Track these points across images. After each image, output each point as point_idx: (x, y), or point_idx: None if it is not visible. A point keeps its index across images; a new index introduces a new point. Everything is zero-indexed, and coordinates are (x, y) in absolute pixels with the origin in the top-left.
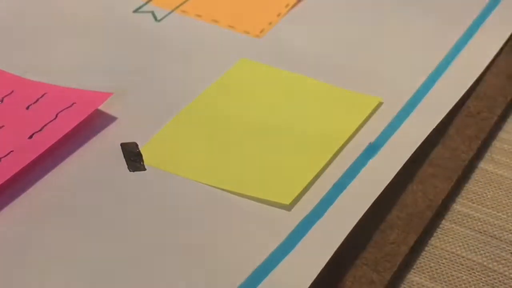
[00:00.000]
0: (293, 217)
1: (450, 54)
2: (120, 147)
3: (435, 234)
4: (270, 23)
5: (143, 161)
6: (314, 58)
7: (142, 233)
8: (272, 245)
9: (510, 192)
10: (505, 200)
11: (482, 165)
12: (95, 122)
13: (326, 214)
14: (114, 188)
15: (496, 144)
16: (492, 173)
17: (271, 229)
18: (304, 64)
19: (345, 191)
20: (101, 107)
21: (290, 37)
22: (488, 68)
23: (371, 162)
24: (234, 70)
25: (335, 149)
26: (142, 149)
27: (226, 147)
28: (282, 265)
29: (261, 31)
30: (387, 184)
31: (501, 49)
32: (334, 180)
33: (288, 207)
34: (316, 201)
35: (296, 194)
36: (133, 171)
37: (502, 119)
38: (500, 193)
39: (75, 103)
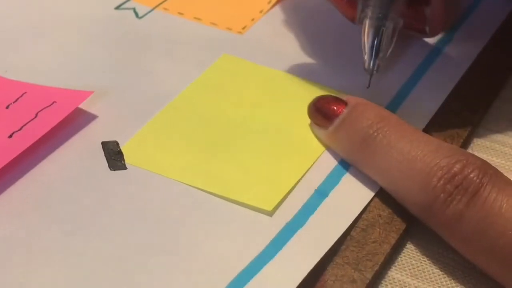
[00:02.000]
0: (275, 222)
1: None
2: (100, 145)
3: (416, 231)
4: (252, 20)
5: (124, 160)
6: (296, 55)
7: (122, 233)
8: (254, 251)
9: None
10: None
11: None
12: (75, 121)
13: (309, 220)
14: (95, 187)
15: (478, 141)
16: None
17: (253, 233)
18: (286, 61)
19: (327, 198)
20: (81, 106)
21: (273, 34)
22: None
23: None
24: (216, 66)
25: (319, 152)
26: (123, 147)
27: (209, 147)
28: (264, 271)
29: (244, 28)
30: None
31: (484, 47)
32: (316, 184)
33: (270, 213)
34: (298, 206)
35: (278, 200)
36: (114, 170)
37: (482, 116)
38: None
39: (55, 102)
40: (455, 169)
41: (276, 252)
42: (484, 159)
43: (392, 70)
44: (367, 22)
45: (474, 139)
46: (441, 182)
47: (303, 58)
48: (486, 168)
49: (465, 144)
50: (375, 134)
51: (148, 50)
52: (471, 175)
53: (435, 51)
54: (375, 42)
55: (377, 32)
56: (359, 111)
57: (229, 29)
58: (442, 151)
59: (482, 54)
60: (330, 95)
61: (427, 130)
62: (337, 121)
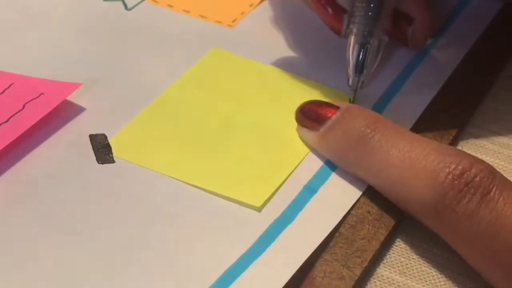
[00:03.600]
0: (264, 218)
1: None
2: (88, 138)
3: (405, 228)
4: (242, 13)
5: (112, 153)
6: (286, 50)
7: (109, 227)
8: (243, 247)
9: None
10: None
11: None
12: (63, 113)
13: (298, 217)
14: (82, 180)
15: (466, 139)
16: None
17: (241, 229)
18: (276, 55)
19: (317, 194)
20: (70, 98)
21: (263, 28)
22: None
23: None
24: (206, 59)
25: (308, 150)
26: (111, 140)
27: (197, 142)
28: (253, 268)
29: (233, 21)
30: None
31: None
32: (305, 180)
33: (259, 209)
34: (287, 202)
35: (267, 196)
36: (102, 164)
37: (472, 114)
38: None
39: (43, 93)
40: (463, 165)
41: (264, 248)
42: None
43: (380, 68)
44: (352, 39)
45: (463, 137)
46: (449, 177)
47: (293, 53)
48: (493, 170)
49: (454, 142)
50: (373, 133)
51: (137, 42)
52: (481, 175)
53: (423, 50)
54: (360, 59)
55: (362, 49)
56: (353, 113)
57: (219, 22)
58: (446, 151)
59: (472, 53)
60: (321, 100)
61: (416, 128)
62: (329, 122)
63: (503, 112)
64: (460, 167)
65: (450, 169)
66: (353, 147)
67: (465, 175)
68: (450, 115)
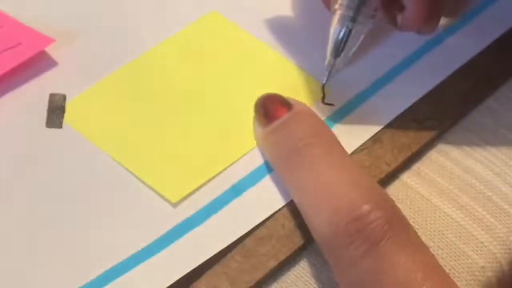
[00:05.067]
0: (176, 214)
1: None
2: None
3: (314, 250)
4: None
5: (63, 117)
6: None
7: (24, 194)
8: (142, 242)
9: (418, 214)
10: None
11: (405, 177)
12: (34, 66)
13: (209, 219)
14: (21, 141)
15: (432, 155)
16: (410, 188)
17: (151, 223)
18: (275, 30)
19: (239, 197)
20: (47, 49)
21: None
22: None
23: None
24: (199, 23)
25: (251, 147)
26: (68, 103)
27: (148, 120)
28: (143, 266)
29: None
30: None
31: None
32: (236, 179)
33: (174, 204)
34: (206, 201)
35: (186, 193)
36: (49, 128)
37: (448, 129)
38: (408, 212)
39: (20, 43)
40: (362, 209)
41: (162, 248)
42: (429, 177)
43: (367, 64)
44: (335, 20)
45: (428, 152)
46: (344, 220)
47: (292, 31)
48: (393, 220)
49: (416, 156)
50: (303, 149)
51: None
52: (376, 223)
53: (417, 53)
54: (339, 42)
55: (343, 33)
56: (297, 120)
57: None
58: (358, 186)
59: (467, 64)
60: (279, 95)
61: (381, 135)
62: (274, 124)
63: (482, 132)
64: (358, 211)
65: (349, 210)
66: (283, 157)
67: (361, 220)
68: (423, 126)
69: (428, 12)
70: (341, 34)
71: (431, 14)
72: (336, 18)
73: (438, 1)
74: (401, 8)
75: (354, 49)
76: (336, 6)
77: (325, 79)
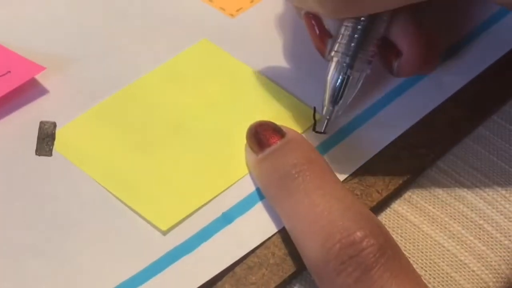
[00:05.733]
0: (166, 243)
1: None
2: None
3: (304, 277)
4: (251, 1)
5: (53, 145)
6: (279, 53)
7: (14, 225)
8: (131, 270)
9: (410, 242)
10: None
11: (396, 206)
12: (25, 94)
13: (199, 248)
14: (11, 168)
15: (423, 183)
16: (401, 217)
17: (140, 251)
18: (266, 57)
19: (230, 225)
20: (38, 77)
21: (264, 24)
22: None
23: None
24: (190, 52)
25: (242, 174)
26: (58, 131)
27: (138, 148)
28: None
29: (238, 10)
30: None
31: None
32: (226, 207)
33: (164, 232)
34: (196, 229)
35: (175, 221)
36: (39, 155)
37: (438, 156)
38: (399, 241)
39: (9, 72)
40: (355, 236)
41: (149, 277)
42: (420, 205)
43: (359, 91)
44: (332, 66)
45: (420, 180)
46: (337, 246)
47: (283, 60)
48: (386, 248)
49: (407, 185)
50: (296, 175)
51: (125, 22)
52: (368, 250)
53: (408, 81)
54: (337, 89)
55: (340, 80)
56: (289, 147)
57: (222, 9)
58: (351, 213)
59: (459, 92)
60: (272, 123)
61: (372, 163)
62: (267, 151)
63: (473, 160)
64: (351, 237)
65: (341, 236)
66: (276, 184)
67: (353, 246)
68: (415, 154)
69: (425, 56)
70: (339, 81)
71: (428, 58)
72: (332, 66)
73: (435, 44)
74: (398, 55)
75: (352, 95)
76: (332, 53)
77: (323, 128)
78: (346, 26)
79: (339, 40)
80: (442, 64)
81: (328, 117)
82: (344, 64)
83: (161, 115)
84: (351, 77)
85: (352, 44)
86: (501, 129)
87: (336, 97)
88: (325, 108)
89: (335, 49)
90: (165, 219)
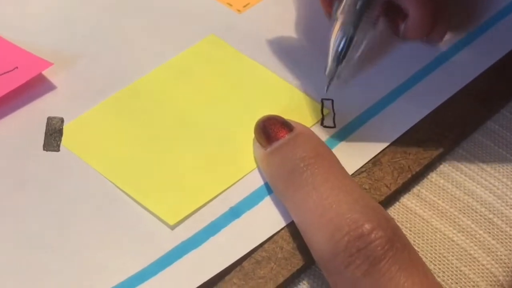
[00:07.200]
0: (174, 237)
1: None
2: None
3: (314, 271)
4: None
5: (61, 140)
6: (286, 49)
7: (21, 218)
8: (139, 265)
9: (419, 236)
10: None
11: (405, 200)
12: (32, 90)
13: (206, 242)
14: (19, 164)
15: (432, 177)
16: (410, 211)
17: (147, 245)
18: (274, 53)
19: (238, 219)
20: (45, 73)
21: (270, 19)
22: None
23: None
24: (198, 47)
25: (250, 169)
26: (65, 126)
27: (145, 144)
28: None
29: (245, 6)
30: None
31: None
32: (234, 201)
33: (172, 226)
34: (205, 223)
35: (183, 215)
36: (47, 151)
37: (447, 151)
38: (408, 235)
39: (17, 67)
40: (363, 228)
41: (157, 272)
42: (429, 199)
43: (369, 85)
44: (336, 27)
45: (429, 174)
46: (345, 238)
47: (289, 54)
48: (394, 240)
49: (416, 179)
50: (304, 169)
51: (133, 18)
52: (377, 242)
53: (418, 74)
54: (340, 49)
55: (345, 40)
56: (297, 141)
57: (230, 4)
58: (359, 205)
59: (468, 85)
60: (280, 117)
61: (381, 157)
62: (275, 145)
63: (482, 154)
64: (359, 230)
65: (350, 229)
66: (284, 178)
67: (362, 239)
68: (424, 148)
69: (432, 18)
70: (343, 41)
71: (436, 20)
72: (337, 25)
73: (443, 7)
74: (404, 17)
75: (356, 56)
76: (337, 14)
77: (326, 88)
78: None
79: (344, 0)
80: (452, 56)
81: (331, 77)
82: (349, 23)
83: (169, 110)
84: (355, 38)
85: (357, 5)
86: (510, 123)
87: (339, 56)
88: (328, 68)
89: (340, 9)
90: (173, 214)
